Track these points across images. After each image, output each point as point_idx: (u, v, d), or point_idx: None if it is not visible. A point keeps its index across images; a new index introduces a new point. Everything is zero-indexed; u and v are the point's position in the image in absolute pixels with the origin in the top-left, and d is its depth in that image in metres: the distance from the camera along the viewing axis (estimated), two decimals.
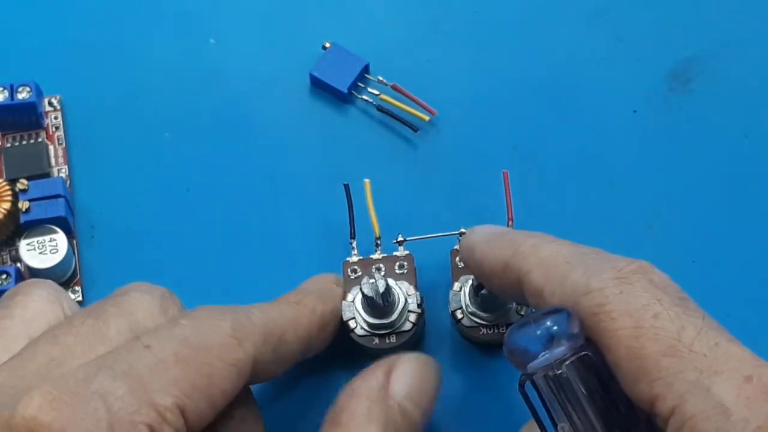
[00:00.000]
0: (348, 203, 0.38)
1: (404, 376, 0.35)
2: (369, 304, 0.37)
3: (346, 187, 0.38)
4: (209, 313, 0.32)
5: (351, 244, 0.39)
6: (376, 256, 0.38)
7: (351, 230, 0.39)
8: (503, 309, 0.37)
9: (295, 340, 0.34)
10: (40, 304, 0.33)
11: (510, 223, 0.38)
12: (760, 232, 0.41)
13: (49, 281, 0.35)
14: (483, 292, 0.36)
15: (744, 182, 0.42)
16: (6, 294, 0.34)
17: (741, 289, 0.40)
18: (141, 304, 0.33)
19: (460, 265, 0.38)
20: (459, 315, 0.38)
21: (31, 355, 0.30)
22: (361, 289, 0.37)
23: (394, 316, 0.37)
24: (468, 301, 0.37)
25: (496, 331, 0.38)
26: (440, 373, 0.37)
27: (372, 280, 0.37)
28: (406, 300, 0.37)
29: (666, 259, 0.40)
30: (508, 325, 0.38)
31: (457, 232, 0.38)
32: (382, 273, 0.38)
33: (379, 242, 0.38)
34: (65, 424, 0.27)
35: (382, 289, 0.36)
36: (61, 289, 0.35)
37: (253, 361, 0.32)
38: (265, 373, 0.33)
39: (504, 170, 0.37)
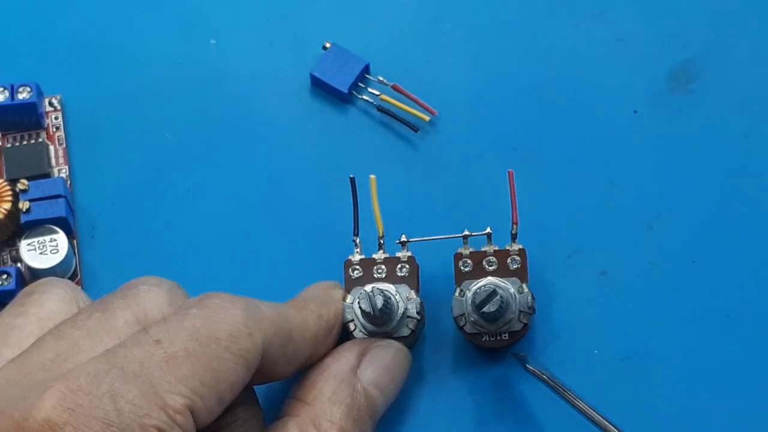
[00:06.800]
0: (353, 197, 0.38)
1: (376, 362, 0.36)
2: (366, 317, 0.37)
3: (352, 180, 0.38)
4: (220, 301, 0.32)
5: (354, 241, 0.38)
6: (378, 256, 0.38)
7: (355, 226, 0.38)
8: (505, 319, 0.37)
9: (302, 341, 0.35)
10: (56, 303, 0.34)
11: (515, 225, 0.37)
12: (760, 232, 0.41)
13: (67, 280, 0.35)
14: (484, 310, 0.37)
15: (744, 182, 0.42)
16: (23, 291, 0.35)
17: (741, 289, 0.40)
18: (149, 296, 0.33)
19: (464, 269, 0.38)
20: (461, 321, 0.37)
21: (36, 351, 0.30)
22: (358, 303, 0.37)
23: (392, 325, 0.37)
24: (470, 310, 0.37)
25: (498, 338, 0.38)
26: (410, 364, 0.37)
27: (370, 293, 0.37)
28: (405, 308, 0.37)
29: (666, 259, 0.41)
30: (511, 332, 0.37)
31: (461, 235, 0.38)
32: (383, 275, 0.38)
33: (382, 242, 0.38)
34: (77, 427, 0.27)
35: (379, 305, 0.36)
36: (78, 288, 0.35)
37: (262, 352, 0.32)
38: (272, 371, 0.34)
39: (510, 170, 0.37)
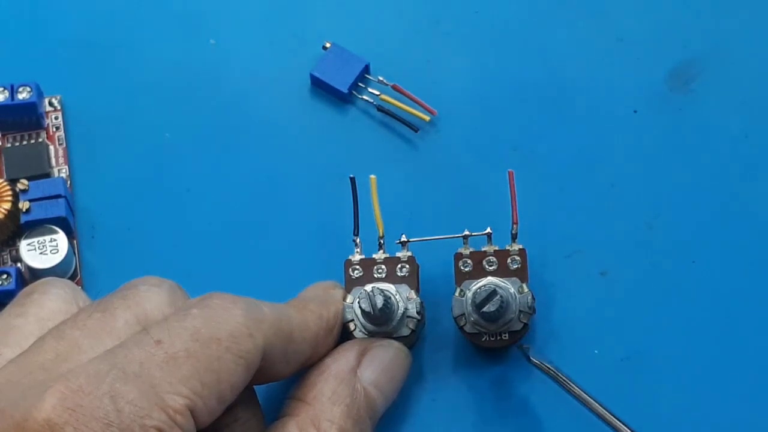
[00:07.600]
0: (353, 197, 0.38)
1: (375, 362, 0.36)
2: (366, 317, 0.37)
3: (352, 180, 0.38)
4: (221, 301, 0.32)
5: (354, 240, 0.38)
6: (378, 256, 0.38)
7: (355, 227, 0.38)
8: (505, 319, 0.37)
9: (302, 342, 0.35)
10: (56, 303, 0.34)
11: (515, 225, 0.37)
12: (760, 232, 0.41)
13: (67, 280, 0.35)
14: (484, 309, 0.36)
15: (744, 182, 0.42)
16: (23, 291, 0.35)
17: (741, 289, 0.40)
18: (149, 296, 0.33)
19: (464, 269, 0.38)
20: (461, 321, 0.37)
21: (37, 351, 0.30)
22: (358, 302, 0.37)
23: (392, 325, 0.37)
24: (470, 310, 0.37)
25: (499, 338, 0.38)
26: (410, 364, 0.37)
27: (370, 293, 0.37)
28: (405, 308, 0.37)
29: (666, 259, 0.41)
30: (511, 332, 0.37)
31: (461, 235, 0.38)
32: (383, 275, 0.38)
33: (382, 242, 0.38)
34: (77, 428, 0.28)
35: (379, 305, 0.36)
36: (77, 288, 0.35)
37: (263, 353, 0.32)
38: (272, 371, 0.34)
39: (510, 170, 0.37)
